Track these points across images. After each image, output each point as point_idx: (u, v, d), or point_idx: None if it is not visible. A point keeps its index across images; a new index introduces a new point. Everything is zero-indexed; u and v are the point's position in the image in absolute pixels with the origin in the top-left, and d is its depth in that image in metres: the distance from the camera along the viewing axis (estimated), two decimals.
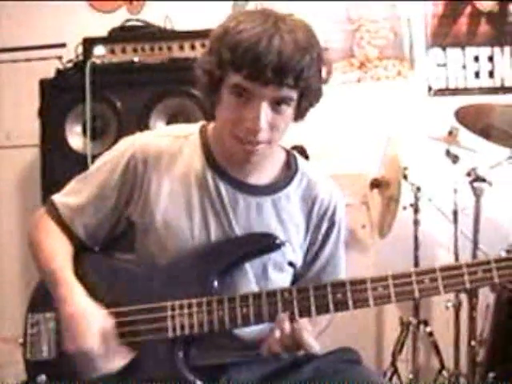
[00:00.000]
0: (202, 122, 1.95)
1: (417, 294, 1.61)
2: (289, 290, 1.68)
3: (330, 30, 3.90)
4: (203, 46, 3.34)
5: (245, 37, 1.62)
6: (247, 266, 1.82)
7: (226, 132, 1.74)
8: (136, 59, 3.41)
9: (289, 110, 1.72)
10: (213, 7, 3.87)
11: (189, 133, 1.90)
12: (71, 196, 1.92)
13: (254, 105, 1.66)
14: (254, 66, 1.61)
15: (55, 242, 1.89)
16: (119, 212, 1.88)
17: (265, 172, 1.87)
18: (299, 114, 1.78)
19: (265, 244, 1.78)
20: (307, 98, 1.73)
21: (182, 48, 3.38)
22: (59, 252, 1.87)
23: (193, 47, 3.37)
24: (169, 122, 3.36)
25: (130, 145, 1.89)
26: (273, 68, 1.60)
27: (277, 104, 1.68)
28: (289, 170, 1.91)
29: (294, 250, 1.89)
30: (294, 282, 1.92)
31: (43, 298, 1.83)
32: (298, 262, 1.92)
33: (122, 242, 1.96)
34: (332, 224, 1.92)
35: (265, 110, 1.66)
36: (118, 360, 1.70)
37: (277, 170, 1.90)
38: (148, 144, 1.87)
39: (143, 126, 3.31)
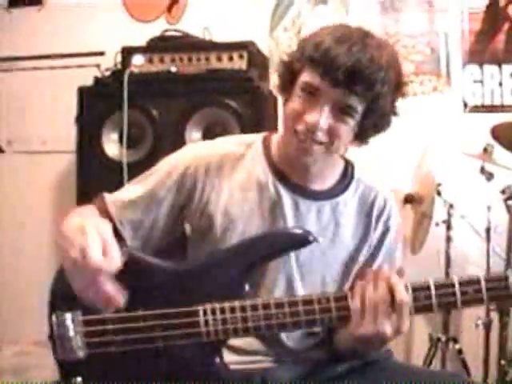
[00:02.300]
0: (264, 133, 1.99)
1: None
2: (326, 297, 1.66)
3: None
4: (241, 57, 3.38)
5: (331, 39, 1.71)
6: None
7: (288, 127, 1.80)
8: (174, 69, 3.44)
9: (351, 123, 1.75)
10: (251, 19, 3.91)
11: (251, 141, 1.94)
12: (123, 193, 1.93)
13: (320, 102, 1.72)
14: (329, 65, 1.68)
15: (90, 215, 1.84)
16: (173, 217, 1.89)
17: (324, 179, 1.91)
18: (361, 133, 1.81)
19: (296, 239, 1.75)
20: (372, 116, 1.76)
21: (219, 59, 3.41)
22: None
23: (231, 58, 3.41)
24: (205, 133, 3.40)
25: (194, 151, 1.94)
26: (345, 71, 1.66)
27: (341, 112, 1.73)
28: (346, 178, 1.95)
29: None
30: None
31: (63, 293, 1.74)
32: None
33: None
34: (387, 229, 1.94)
35: (327, 111, 1.72)
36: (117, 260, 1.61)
37: (335, 178, 1.93)
38: (211, 150, 1.91)
39: (179, 135, 3.36)
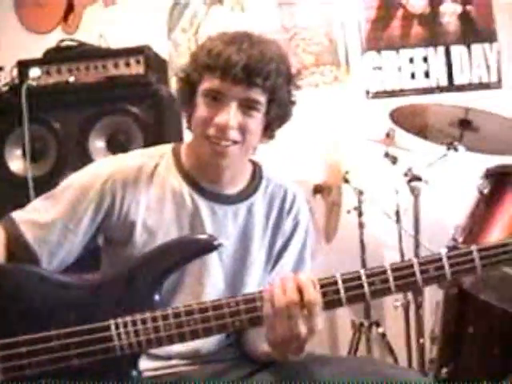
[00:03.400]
0: (173, 144, 2.02)
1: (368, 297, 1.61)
2: (236, 301, 1.65)
3: None
4: (138, 62, 3.35)
5: (220, 43, 1.81)
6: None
7: (199, 134, 1.85)
8: (72, 79, 3.40)
9: (258, 116, 1.83)
10: (148, 23, 3.89)
11: (162, 152, 1.97)
12: (35, 213, 1.88)
13: (225, 104, 1.79)
14: (225, 66, 1.76)
15: None
16: (92, 233, 1.89)
17: (236, 182, 1.97)
18: (269, 125, 1.89)
19: (200, 246, 1.75)
20: (275, 106, 1.85)
21: (117, 66, 3.38)
22: None
23: (128, 64, 3.38)
24: (108, 141, 3.37)
25: (109, 165, 1.93)
26: (242, 67, 1.75)
27: (247, 107, 1.80)
28: (255, 179, 2.01)
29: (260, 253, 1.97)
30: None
31: None
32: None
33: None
34: (297, 223, 2.01)
35: (234, 109, 1.79)
36: None
37: (246, 180, 2.00)
38: (126, 164, 1.92)
39: (83, 146, 3.32)
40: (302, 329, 1.57)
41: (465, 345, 2.87)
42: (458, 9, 3.97)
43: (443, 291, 3.13)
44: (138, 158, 1.95)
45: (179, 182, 1.92)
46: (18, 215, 1.87)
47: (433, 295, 3.24)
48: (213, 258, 1.90)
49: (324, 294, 1.59)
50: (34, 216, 1.87)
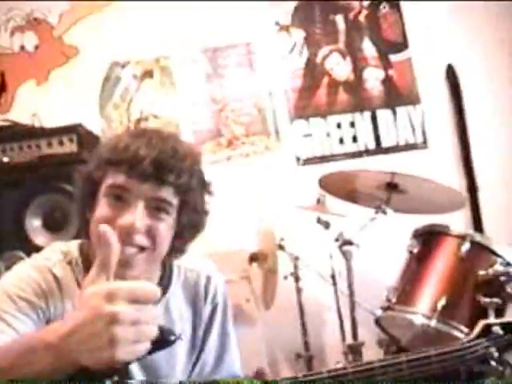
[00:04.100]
0: (80, 240, 1.81)
1: None
2: None
3: (196, 112, 4.03)
4: (71, 140, 3.38)
5: (126, 136, 1.65)
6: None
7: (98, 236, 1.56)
8: (6, 159, 3.41)
9: (169, 220, 1.64)
10: (80, 101, 3.96)
11: (67, 251, 1.77)
12: None
13: (130, 203, 1.59)
14: (132, 160, 1.58)
15: None
16: None
17: (149, 277, 1.77)
18: (180, 232, 1.70)
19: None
20: (187, 210, 1.67)
21: (50, 145, 3.39)
22: None
23: (61, 143, 3.40)
24: (45, 219, 3.37)
25: (25, 273, 1.71)
26: (151, 162, 1.58)
27: (155, 209, 1.61)
28: (165, 272, 1.85)
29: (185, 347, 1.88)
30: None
31: None
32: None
33: None
34: (215, 306, 1.92)
35: (141, 210, 1.59)
36: None
37: (156, 278, 1.82)
38: (48, 280, 1.70)
39: (19, 225, 3.31)
40: None
41: None
42: (381, 74, 4.13)
43: (383, 350, 3.19)
44: (56, 265, 1.72)
45: None
46: None
47: (373, 354, 3.28)
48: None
49: None
50: None
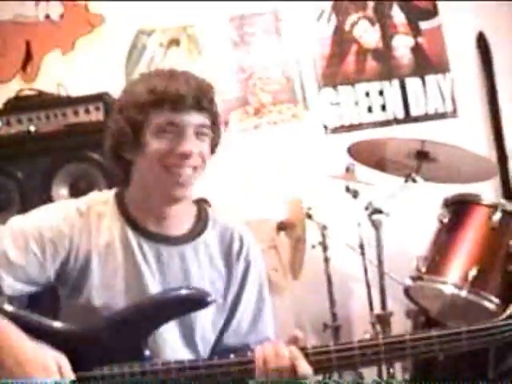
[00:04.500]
0: (115, 189, 1.98)
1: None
2: (228, 362, 1.70)
3: (223, 80, 3.98)
4: (97, 109, 3.38)
5: (159, 79, 1.84)
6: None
7: (154, 170, 1.81)
8: (32, 129, 3.41)
9: (208, 140, 1.87)
10: (106, 69, 3.92)
11: (106, 198, 1.94)
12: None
13: (182, 133, 1.81)
14: (176, 98, 1.79)
15: None
16: (49, 279, 1.85)
17: (181, 222, 1.93)
18: (212, 149, 1.91)
19: (191, 303, 1.79)
20: (216, 130, 1.90)
21: (76, 113, 3.40)
22: None
23: (87, 111, 3.41)
24: (71, 188, 3.39)
25: (61, 213, 1.88)
26: (193, 96, 1.80)
27: (200, 133, 1.83)
28: (201, 219, 1.98)
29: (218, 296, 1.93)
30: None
31: None
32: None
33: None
34: (248, 264, 1.98)
35: (193, 137, 1.81)
36: None
37: (191, 221, 1.96)
38: (73, 213, 1.87)
39: (46, 194, 3.33)
40: None
41: (436, 372, 2.90)
42: (410, 42, 4.06)
43: (411, 320, 3.16)
44: (84, 204, 1.91)
45: (123, 228, 1.89)
46: None
47: (401, 325, 3.26)
48: None
49: (316, 362, 1.65)
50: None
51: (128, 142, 1.85)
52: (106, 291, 1.85)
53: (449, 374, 2.81)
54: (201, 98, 1.81)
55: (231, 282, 1.96)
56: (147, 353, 1.73)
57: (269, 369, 1.64)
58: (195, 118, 1.81)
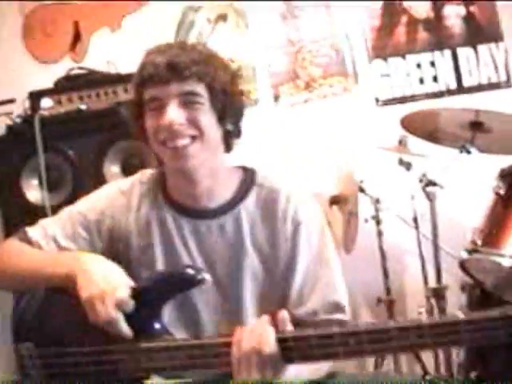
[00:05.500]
0: (160, 167, 2.00)
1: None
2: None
3: (272, 54, 3.97)
4: None
5: (153, 54, 1.84)
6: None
7: (157, 147, 1.83)
8: (83, 107, 3.43)
9: (204, 108, 1.79)
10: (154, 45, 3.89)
11: (148, 178, 1.99)
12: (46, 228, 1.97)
13: (165, 106, 1.77)
14: (151, 72, 1.76)
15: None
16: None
17: (218, 193, 1.90)
18: (222, 116, 1.83)
19: (184, 281, 1.75)
20: (218, 95, 1.81)
21: (126, 91, 3.41)
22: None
23: None
24: (123, 166, 3.40)
25: (107, 192, 2.00)
26: (166, 65, 1.75)
27: (188, 102, 1.78)
28: (244, 187, 1.92)
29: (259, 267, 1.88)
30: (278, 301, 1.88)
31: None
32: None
33: None
34: (297, 225, 1.86)
35: (175, 107, 1.76)
36: None
37: (232, 190, 1.91)
38: (120, 190, 1.97)
39: (98, 172, 3.35)
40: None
41: (492, 347, 2.86)
42: (462, 11, 3.98)
43: (466, 294, 3.12)
44: (127, 184, 2.00)
45: (162, 206, 1.92)
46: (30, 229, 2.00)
47: (456, 299, 3.23)
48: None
49: (296, 348, 1.55)
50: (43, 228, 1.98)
51: (135, 121, 1.89)
52: (146, 269, 1.87)
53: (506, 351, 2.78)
54: (177, 65, 1.75)
55: (279, 246, 1.86)
56: (158, 326, 1.73)
57: (240, 348, 1.56)
58: (176, 88, 1.76)
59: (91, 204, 1.97)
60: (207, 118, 1.80)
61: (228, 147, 1.91)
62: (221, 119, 1.83)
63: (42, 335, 1.83)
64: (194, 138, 1.78)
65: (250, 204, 1.90)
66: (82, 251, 1.88)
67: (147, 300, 1.72)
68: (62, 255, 1.86)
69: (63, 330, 1.81)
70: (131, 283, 1.70)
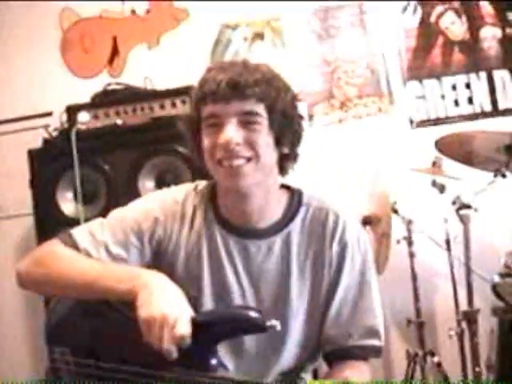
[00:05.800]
0: (211, 180, 1.95)
1: None
2: None
3: (307, 73, 3.98)
4: (184, 103, 3.41)
5: (205, 74, 1.80)
6: None
7: (212, 166, 1.79)
8: (119, 122, 3.47)
9: (262, 129, 1.76)
10: (191, 63, 3.92)
11: (201, 191, 1.94)
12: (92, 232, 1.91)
13: (223, 125, 1.74)
14: (211, 89, 1.73)
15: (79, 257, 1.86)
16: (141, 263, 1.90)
17: (268, 214, 1.87)
18: (279, 140, 1.80)
19: (251, 325, 1.71)
20: (278, 116, 1.77)
21: (162, 107, 3.45)
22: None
23: (174, 105, 3.45)
24: (157, 181, 3.43)
25: (158, 200, 1.94)
26: (227, 83, 1.72)
27: (247, 122, 1.75)
28: (292, 207, 1.90)
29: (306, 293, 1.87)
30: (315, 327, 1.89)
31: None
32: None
33: None
34: (344, 246, 1.86)
35: (234, 126, 1.74)
36: None
37: (281, 211, 1.89)
38: (172, 200, 1.92)
39: (132, 187, 3.38)
40: None
41: None
42: (498, 33, 3.96)
43: (497, 318, 3.10)
44: (180, 193, 1.94)
45: (212, 222, 1.89)
46: (75, 232, 1.93)
47: (487, 323, 3.21)
48: (249, 299, 1.86)
49: None
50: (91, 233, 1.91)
51: (192, 136, 1.86)
52: (191, 285, 1.84)
53: None
54: (238, 84, 1.71)
55: (324, 266, 1.85)
56: (213, 362, 1.69)
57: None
58: (236, 107, 1.73)
59: (145, 212, 1.90)
60: (264, 140, 1.77)
61: (283, 170, 1.89)
62: (278, 142, 1.81)
63: (75, 340, 1.82)
64: (249, 159, 1.76)
65: (298, 224, 1.88)
66: (132, 262, 1.86)
67: (206, 336, 1.68)
68: (122, 269, 1.80)
69: (99, 339, 1.80)
70: (192, 313, 1.66)
